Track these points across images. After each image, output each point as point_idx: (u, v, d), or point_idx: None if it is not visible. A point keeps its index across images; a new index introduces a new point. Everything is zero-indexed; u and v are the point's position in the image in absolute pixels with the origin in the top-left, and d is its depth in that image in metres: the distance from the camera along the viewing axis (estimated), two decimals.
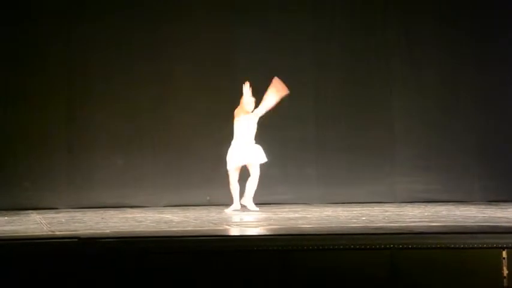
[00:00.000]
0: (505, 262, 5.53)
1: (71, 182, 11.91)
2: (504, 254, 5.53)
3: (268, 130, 11.29)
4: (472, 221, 8.10)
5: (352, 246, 5.53)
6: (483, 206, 10.85)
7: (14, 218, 9.48)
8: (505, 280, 5.52)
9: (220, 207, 11.04)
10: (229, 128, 10.49)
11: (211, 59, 12.32)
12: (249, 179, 10.32)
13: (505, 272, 5.52)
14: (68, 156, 11.97)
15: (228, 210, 10.26)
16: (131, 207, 11.60)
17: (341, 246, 5.53)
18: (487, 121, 12.65)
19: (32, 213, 10.50)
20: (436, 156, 12.57)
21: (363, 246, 5.53)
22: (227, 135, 10.78)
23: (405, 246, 5.55)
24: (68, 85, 12.01)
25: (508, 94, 12.73)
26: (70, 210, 11.19)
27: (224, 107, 10.85)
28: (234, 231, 7.35)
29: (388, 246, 5.53)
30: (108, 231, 7.07)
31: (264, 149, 10.58)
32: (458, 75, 12.69)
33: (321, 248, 5.52)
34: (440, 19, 12.77)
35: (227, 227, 7.87)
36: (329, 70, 12.61)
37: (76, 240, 5.68)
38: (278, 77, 10.39)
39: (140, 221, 8.45)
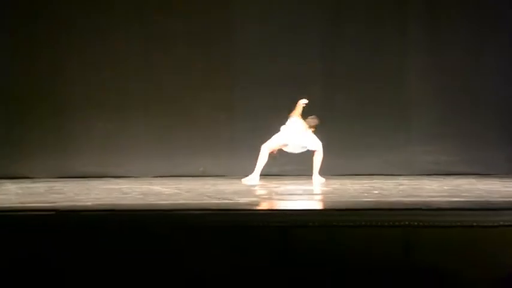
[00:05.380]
0: None
1: (50, 148, 11.90)
2: None
3: (273, 92, 11.31)
4: (497, 195, 8.12)
5: (363, 223, 5.51)
6: (508, 180, 10.84)
7: None
8: None
9: (215, 178, 11.07)
10: (226, 92, 10.50)
11: (206, 18, 12.27)
12: None
13: None
14: (47, 120, 11.95)
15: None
16: (117, 177, 11.58)
17: (350, 223, 5.51)
18: None
19: (6, 182, 10.48)
20: (456, 123, 12.53)
21: (373, 223, 5.51)
22: (223, 100, 10.77)
23: (421, 224, 5.53)
24: (51, 42, 12.00)
25: None
26: (49, 180, 11.19)
27: (221, 69, 10.82)
28: (231, 205, 7.34)
29: (401, 223, 5.51)
30: (89, 203, 7.10)
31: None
32: (480, 36, 12.64)
33: (327, 225, 5.50)
34: None
35: (223, 200, 7.87)
36: (341, 32, 12.58)
37: (54, 213, 5.69)
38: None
39: (126, 193, 8.49)
